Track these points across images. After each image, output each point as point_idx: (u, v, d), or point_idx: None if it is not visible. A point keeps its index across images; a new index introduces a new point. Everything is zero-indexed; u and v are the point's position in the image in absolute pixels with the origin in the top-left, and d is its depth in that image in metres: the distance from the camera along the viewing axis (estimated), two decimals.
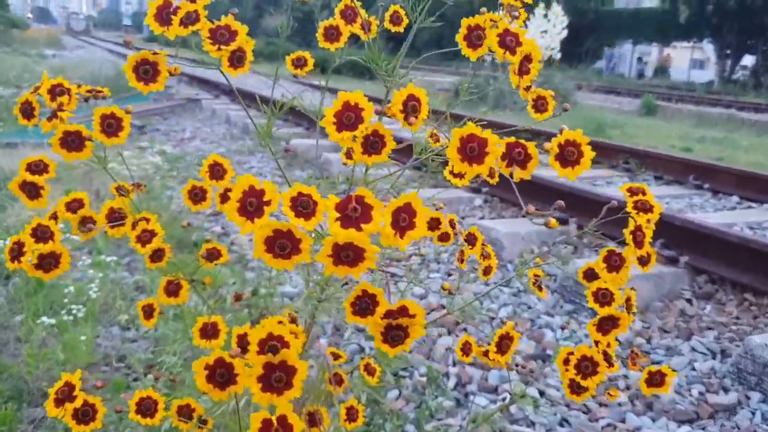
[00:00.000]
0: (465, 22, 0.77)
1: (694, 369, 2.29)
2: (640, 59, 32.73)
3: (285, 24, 0.95)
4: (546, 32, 13.03)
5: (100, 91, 0.94)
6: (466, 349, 1.14)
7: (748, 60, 27.69)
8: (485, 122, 0.73)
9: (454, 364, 2.29)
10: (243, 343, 0.84)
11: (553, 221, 0.74)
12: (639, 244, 0.77)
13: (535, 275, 0.98)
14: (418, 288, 2.84)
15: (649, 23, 27.80)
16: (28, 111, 0.90)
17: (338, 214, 0.65)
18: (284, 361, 0.69)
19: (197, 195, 1.05)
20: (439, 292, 1.08)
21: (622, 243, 0.81)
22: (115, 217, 1.00)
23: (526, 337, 2.49)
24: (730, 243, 3.01)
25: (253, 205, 0.65)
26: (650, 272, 2.87)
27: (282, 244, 0.65)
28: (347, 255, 0.65)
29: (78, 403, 0.87)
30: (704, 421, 2.00)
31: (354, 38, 0.96)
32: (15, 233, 0.93)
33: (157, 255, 1.01)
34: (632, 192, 0.79)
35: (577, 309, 2.72)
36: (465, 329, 2.57)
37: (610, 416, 2.00)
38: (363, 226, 0.64)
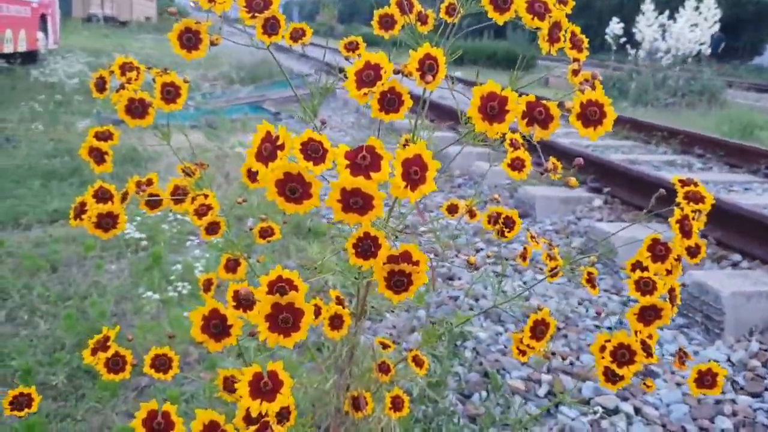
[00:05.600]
0: None
1: None
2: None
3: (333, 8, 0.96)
4: (696, 26, 12.12)
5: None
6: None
7: None
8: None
9: (548, 371, 2.18)
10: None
11: (573, 180, 0.74)
12: (687, 234, 0.75)
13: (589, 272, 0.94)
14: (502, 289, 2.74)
15: None
16: (100, 85, 0.99)
17: (348, 162, 0.66)
18: (292, 303, 0.70)
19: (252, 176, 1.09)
20: (465, 267, 1.06)
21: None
22: (178, 194, 1.06)
23: None
24: None
25: (267, 150, 0.68)
26: None
27: (292, 188, 0.67)
28: (356, 202, 0.66)
29: (110, 353, 0.92)
30: None
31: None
32: None
33: (212, 228, 1.05)
34: (684, 183, 0.77)
35: (690, 323, 2.49)
36: (565, 335, 2.45)
37: None
38: (372, 174, 0.66)
